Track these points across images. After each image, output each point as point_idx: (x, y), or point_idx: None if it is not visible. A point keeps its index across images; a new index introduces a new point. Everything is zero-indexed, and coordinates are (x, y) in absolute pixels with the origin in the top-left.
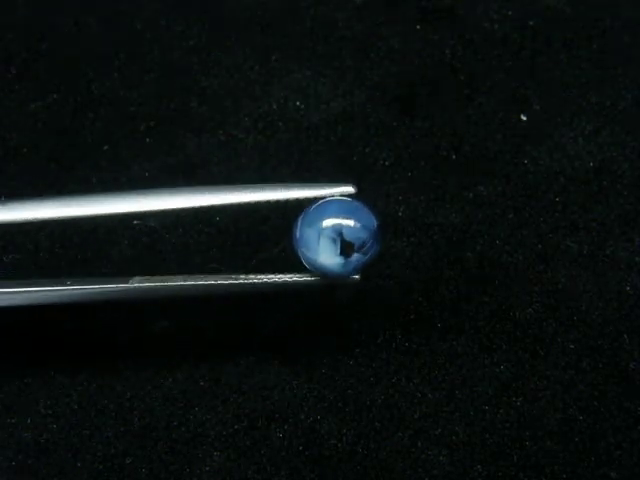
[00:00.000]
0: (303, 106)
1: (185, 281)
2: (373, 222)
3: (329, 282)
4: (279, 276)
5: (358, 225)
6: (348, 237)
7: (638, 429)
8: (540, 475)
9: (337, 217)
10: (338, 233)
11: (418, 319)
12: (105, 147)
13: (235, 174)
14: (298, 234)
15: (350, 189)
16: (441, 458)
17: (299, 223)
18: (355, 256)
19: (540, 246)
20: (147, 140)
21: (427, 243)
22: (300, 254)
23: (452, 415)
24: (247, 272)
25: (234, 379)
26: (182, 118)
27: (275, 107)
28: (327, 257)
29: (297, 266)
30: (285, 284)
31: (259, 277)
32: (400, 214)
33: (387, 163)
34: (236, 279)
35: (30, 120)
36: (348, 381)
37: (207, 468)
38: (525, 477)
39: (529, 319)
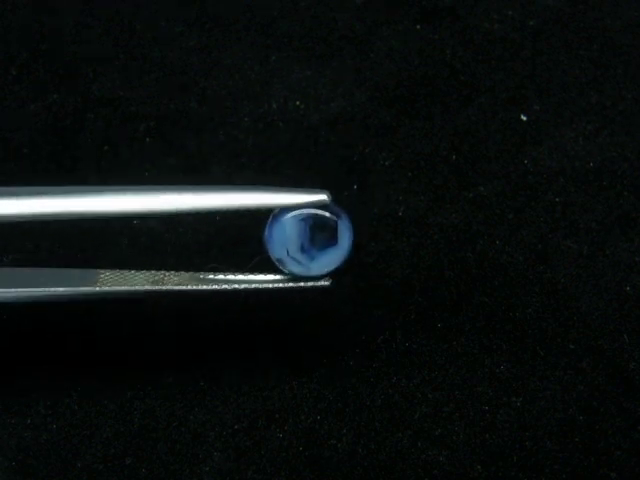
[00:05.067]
0: (303, 106)
1: (147, 283)
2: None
3: (300, 286)
4: (249, 276)
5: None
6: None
7: (638, 429)
8: (540, 475)
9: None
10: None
11: (418, 319)
12: (105, 147)
13: (235, 174)
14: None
15: (324, 197)
16: (441, 458)
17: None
18: (318, 253)
19: (540, 246)
20: (147, 140)
21: (427, 243)
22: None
23: (452, 415)
24: (219, 270)
25: (234, 379)
26: (182, 118)
27: (275, 107)
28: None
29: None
30: (254, 284)
31: (226, 277)
32: (400, 214)
33: (387, 163)
34: (200, 280)
35: (30, 120)
36: (348, 381)
37: (207, 468)
38: (525, 477)
39: (529, 319)
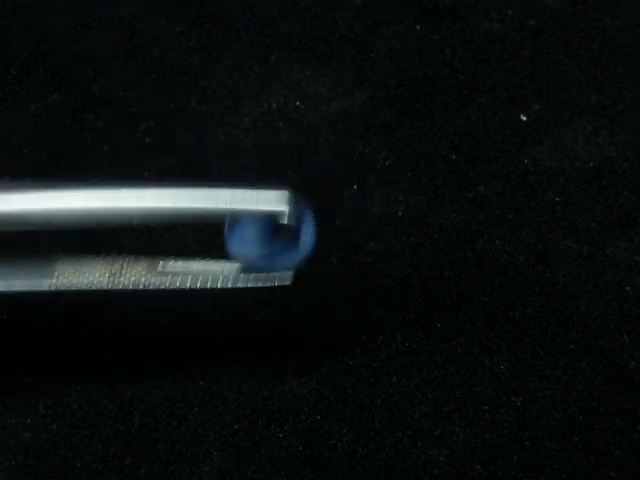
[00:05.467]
0: (303, 106)
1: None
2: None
3: (261, 285)
4: (201, 262)
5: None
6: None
7: (638, 429)
8: (540, 475)
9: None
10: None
11: (418, 319)
12: (105, 147)
13: (235, 174)
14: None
15: (283, 208)
16: (441, 458)
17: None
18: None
19: (540, 246)
20: (147, 140)
21: (427, 243)
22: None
23: (452, 415)
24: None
25: (234, 379)
26: (182, 118)
27: (275, 107)
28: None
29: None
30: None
31: (177, 264)
32: (400, 214)
33: (387, 163)
34: (158, 271)
35: (30, 120)
36: (348, 381)
37: (207, 468)
38: (525, 477)
39: (529, 319)
